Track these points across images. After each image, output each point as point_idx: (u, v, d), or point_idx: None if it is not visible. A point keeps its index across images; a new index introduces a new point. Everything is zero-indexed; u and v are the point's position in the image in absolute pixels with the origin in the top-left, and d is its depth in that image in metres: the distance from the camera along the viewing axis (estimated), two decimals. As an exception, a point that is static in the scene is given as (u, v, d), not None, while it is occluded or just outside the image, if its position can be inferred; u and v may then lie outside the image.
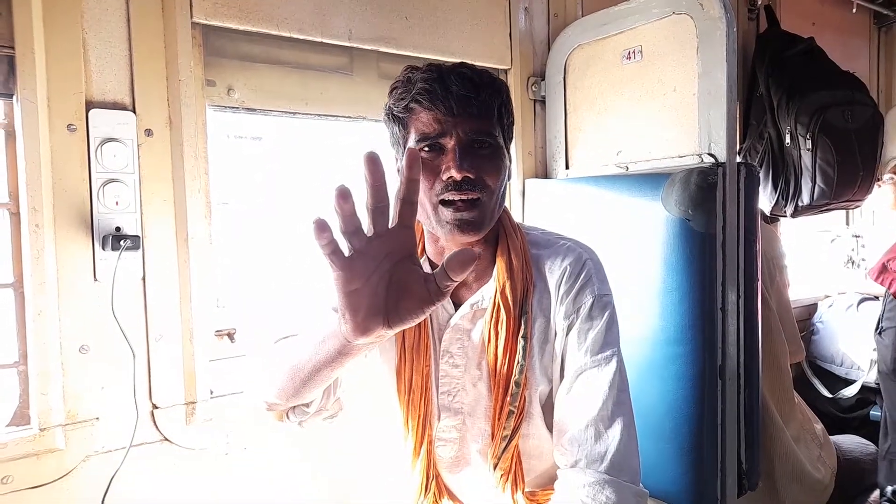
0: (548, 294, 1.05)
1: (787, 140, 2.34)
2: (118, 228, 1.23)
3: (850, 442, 2.20)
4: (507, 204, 1.44)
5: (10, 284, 1.20)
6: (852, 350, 2.64)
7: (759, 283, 1.46)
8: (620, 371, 1.00)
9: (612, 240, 1.48)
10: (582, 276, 1.03)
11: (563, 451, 0.98)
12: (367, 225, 0.65)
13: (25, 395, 1.20)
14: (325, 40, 1.48)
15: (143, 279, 1.27)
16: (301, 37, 1.45)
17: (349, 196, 0.61)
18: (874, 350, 2.47)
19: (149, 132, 1.26)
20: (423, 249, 1.08)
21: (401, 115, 0.98)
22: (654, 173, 1.49)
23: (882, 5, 3.04)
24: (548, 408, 1.05)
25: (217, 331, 1.46)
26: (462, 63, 0.99)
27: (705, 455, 1.36)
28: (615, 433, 0.95)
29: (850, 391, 2.57)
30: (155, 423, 1.29)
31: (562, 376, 1.03)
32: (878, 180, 2.50)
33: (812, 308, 2.91)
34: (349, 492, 1.51)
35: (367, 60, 1.61)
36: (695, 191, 1.35)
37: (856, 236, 3.12)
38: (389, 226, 0.66)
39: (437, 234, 1.01)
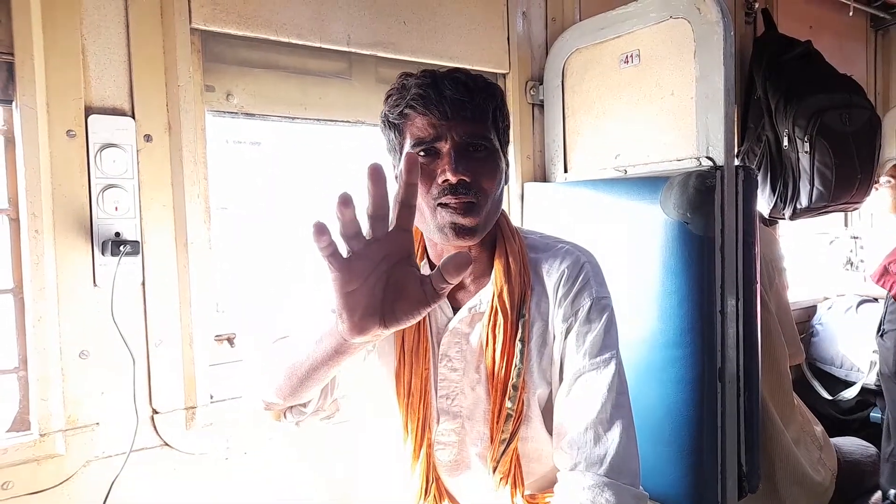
0: (546, 297, 1.05)
1: (785, 143, 2.34)
2: (118, 234, 1.23)
3: (851, 444, 2.19)
4: (505, 208, 1.44)
5: (10, 290, 1.20)
6: (852, 352, 2.64)
7: (758, 285, 1.46)
8: (619, 374, 1.00)
9: (610, 243, 1.48)
10: (580, 279, 1.03)
11: (562, 454, 0.99)
12: (366, 229, 0.67)
13: (25, 400, 1.20)
14: (323, 45, 1.49)
15: (143, 284, 1.27)
16: (300, 42, 1.45)
17: (350, 203, 0.63)
18: (874, 352, 2.47)
19: (148, 138, 1.27)
20: (425, 253, 1.09)
21: (396, 122, 0.99)
22: (652, 177, 1.49)
23: (879, 8, 3.05)
24: (547, 411, 1.05)
25: (217, 335, 1.46)
26: (456, 68, 1.00)
27: (705, 458, 1.35)
28: (614, 436, 0.96)
29: (849, 393, 2.57)
30: (155, 428, 1.29)
31: (561, 379, 1.03)
32: (876, 183, 2.50)
33: (811, 310, 2.91)
34: (348, 495, 1.51)
35: (365, 65, 1.61)
36: (693, 194, 1.35)
37: (854, 238, 3.12)
38: (388, 229, 0.67)
39: (435, 239, 1.01)
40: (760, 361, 1.48)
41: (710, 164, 1.42)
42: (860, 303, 2.75)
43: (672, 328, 1.37)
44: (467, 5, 1.72)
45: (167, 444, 1.30)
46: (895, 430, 2.26)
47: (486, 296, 1.04)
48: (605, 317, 1.02)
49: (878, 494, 2.19)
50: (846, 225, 3.24)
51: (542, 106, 1.89)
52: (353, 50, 1.53)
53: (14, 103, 1.16)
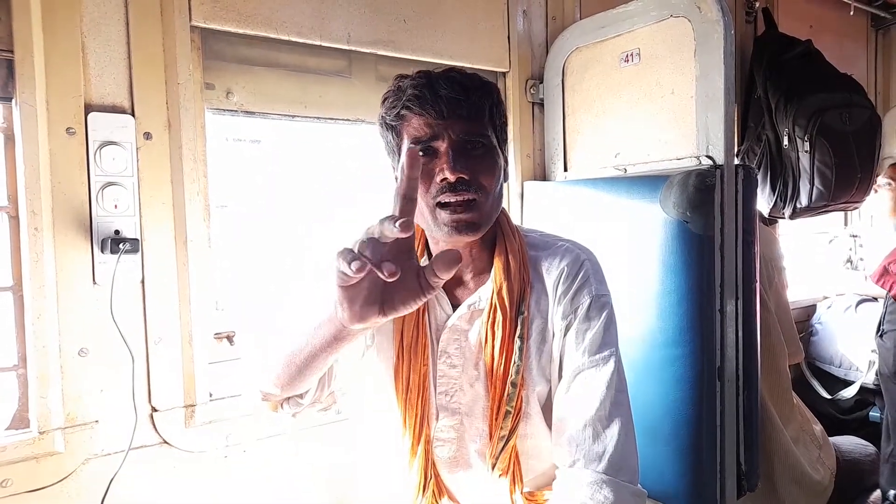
0: (545, 295, 1.05)
1: (786, 142, 2.34)
2: (117, 231, 1.23)
3: (850, 443, 2.19)
4: (505, 206, 1.44)
5: (10, 288, 1.20)
6: (851, 351, 2.64)
7: (758, 284, 1.46)
8: (618, 371, 1.00)
9: (610, 242, 1.48)
10: (580, 277, 1.03)
11: (561, 451, 0.99)
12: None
13: (24, 398, 1.20)
14: (323, 43, 1.49)
15: (143, 282, 1.27)
16: (300, 40, 1.45)
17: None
18: (873, 351, 2.47)
19: (148, 135, 1.27)
20: (426, 249, 1.09)
21: (393, 123, 0.99)
22: (652, 175, 1.50)
23: (879, 8, 3.05)
24: (547, 408, 1.05)
25: (216, 333, 1.46)
26: (451, 68, 1.00)
27: (704, 456, 1.36)
28: (613, 433, 0.96)
29: (848, 392, 2.57)
30: (154, 425, 1.29)
31: (560, 376, 1.03)
32: (875, 184, 2.50)
33: (811, 309, 2.91)
34: (348, 492, 1.51)
35: (365, 63, 1.61)
36: (693, 193, 1.35)
37: (853, 236, 3.12)
38: (414, 212, 0.71)
39: (437, 237, 1.01)
40: (760, 360, 1.48)
41: (710, 163, 1.42)
42: (859, 302, 2.75)
43: (671, 327, 1.37)
44: (468, 4, 1.72)
45: (166, 442, 1.30)
46: (894, 431, 2.26)
47: (485, 293, 1.04)
48: (604, 314, 1.02)
49: (877, 493, 2.19)
50: (846, 224, 3.24)
51: (542, 104, 1.89)
52: (353, 48, 1.53)
53: (14, 101, 1.16)
